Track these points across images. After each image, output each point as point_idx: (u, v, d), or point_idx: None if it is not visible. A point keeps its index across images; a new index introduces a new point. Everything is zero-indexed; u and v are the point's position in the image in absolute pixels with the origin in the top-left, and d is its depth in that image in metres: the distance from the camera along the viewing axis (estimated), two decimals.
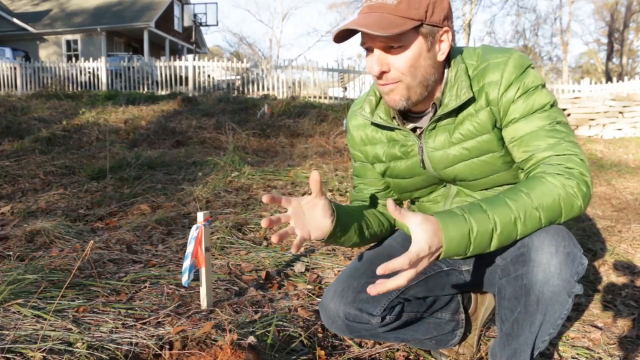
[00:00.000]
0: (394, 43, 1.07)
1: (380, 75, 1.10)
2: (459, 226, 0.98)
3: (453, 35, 1.13)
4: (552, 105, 1.12)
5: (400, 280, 0.96)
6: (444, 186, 1.29)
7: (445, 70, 1.16)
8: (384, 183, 1.37)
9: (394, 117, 1.23)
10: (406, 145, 1.24)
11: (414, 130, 1.23)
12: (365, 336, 1.37)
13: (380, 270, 0.93)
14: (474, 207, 1.02)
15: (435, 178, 1.26)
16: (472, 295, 1.58)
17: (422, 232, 0.96)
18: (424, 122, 1.21)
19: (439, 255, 1.00)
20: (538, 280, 1.02)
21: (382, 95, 1.17)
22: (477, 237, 0.99)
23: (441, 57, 1.12)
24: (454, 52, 1.17)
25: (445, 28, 1.10)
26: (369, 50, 1.11)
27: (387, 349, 1.56)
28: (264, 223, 1.01)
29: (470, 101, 1.14)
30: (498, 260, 1.17)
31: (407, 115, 1.24)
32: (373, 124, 1.28)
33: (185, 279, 1.68)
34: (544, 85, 1.13)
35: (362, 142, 1.33)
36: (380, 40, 1.06)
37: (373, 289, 0.95)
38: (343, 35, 1.07)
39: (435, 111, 1.17)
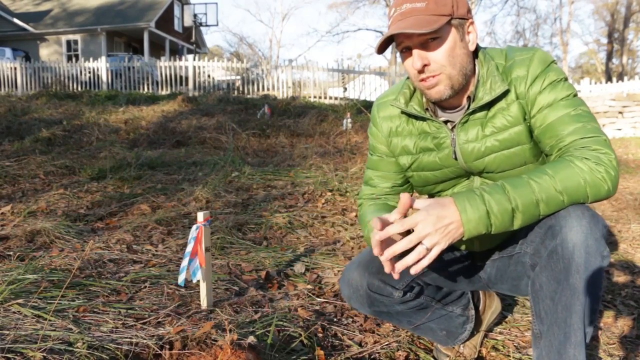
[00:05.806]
0: (433, 35, 1.14)
1: (422, 69, 1.16)
2: (476, 209, 1.02)
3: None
4: (574, 95, 1.19)
5: (413, 256, 1.01)
6: (468, 179, 1.33)
7: (476, 65, 1.23)
8: (403, 177, 1.41)
9: (426, 109, 1.29)
10: (438, 137, 1.28)
11: (445, 123, 1.29)
12: (382, 312, 1.37)
13: (387, 254, 1.01)
14: (496, 188, 1.05)
15: (463, 170, 1.30)
16: (482, 295, 1.63)
17: (423, 208, 1.03)
18: (455, 117, 1.27)
19: (454, 233, 1.02)
20: (575, 243, 1.02)
21: (423, 91, 1.22)
22: (497, 218, 1.03)
23: (472, 47, 1.21)
24: (482, 51, 1.25)
25: (470, 20, 1.19)
26: (406, 51, 1.18)
27: (387, 349, 1.56)
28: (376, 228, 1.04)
29: (503, 95, 1.20)
30: (522, 248, 1.21)
31: (438, 111, 1.30)
32: (406, 113, 1.32)
33: (182, 278, 1.68)
34: (566, 79, 1.20)
35: (389, 134, 1.36)
36: (418, 38, 1.14)
37: (395, 271, 1.03)
38: (384, 44, 1.16)
39: (469, 105, 1.23)
